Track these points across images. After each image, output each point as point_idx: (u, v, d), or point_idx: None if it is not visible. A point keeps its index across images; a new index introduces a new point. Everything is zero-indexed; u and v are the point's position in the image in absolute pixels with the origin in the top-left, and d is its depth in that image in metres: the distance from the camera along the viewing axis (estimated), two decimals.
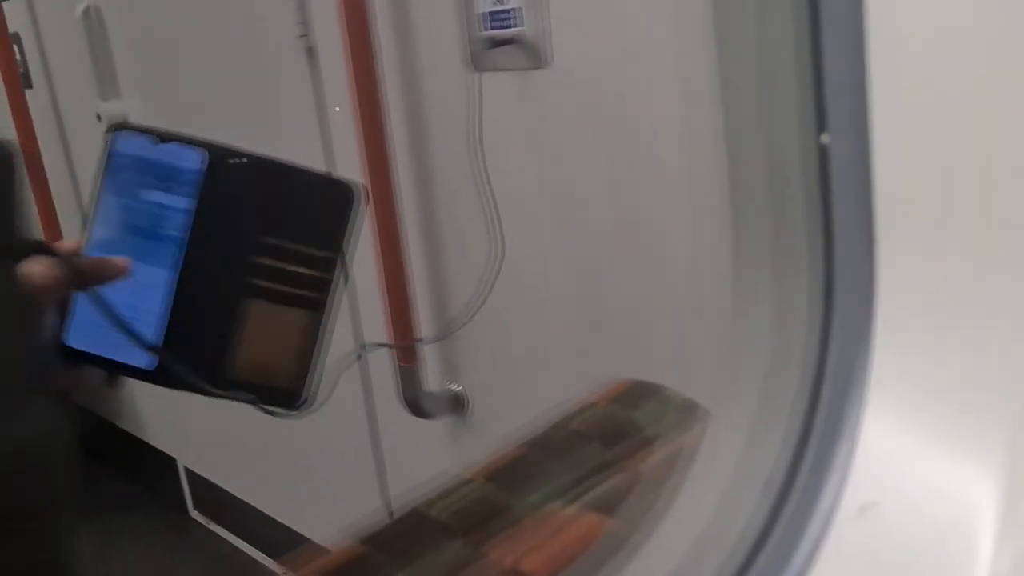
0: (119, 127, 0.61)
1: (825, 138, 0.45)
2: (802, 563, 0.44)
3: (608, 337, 1.36)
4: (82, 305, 0.60)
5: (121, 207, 0.61)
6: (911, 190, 0.42)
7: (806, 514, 0.45)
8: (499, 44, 1.31)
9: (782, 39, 0.47)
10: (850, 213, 0.44)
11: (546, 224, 1.38)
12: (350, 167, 1.53)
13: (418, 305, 1.61)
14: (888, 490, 0.43)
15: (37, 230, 1.98)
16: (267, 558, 2.43)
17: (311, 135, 1.71)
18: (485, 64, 1.35)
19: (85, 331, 0.61)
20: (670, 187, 1.19)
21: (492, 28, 1.32)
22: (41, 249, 0.60)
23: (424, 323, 1.62)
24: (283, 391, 0.61)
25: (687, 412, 0.89)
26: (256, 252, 0.61)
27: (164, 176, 0.61)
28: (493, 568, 0.72)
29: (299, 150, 1.67)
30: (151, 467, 2.84)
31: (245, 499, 2.44)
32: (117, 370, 0.62)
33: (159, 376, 0.61)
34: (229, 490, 2.51)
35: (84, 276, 0.59)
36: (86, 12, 2.25)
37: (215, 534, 2.65)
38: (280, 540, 2.28)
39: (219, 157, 0.61)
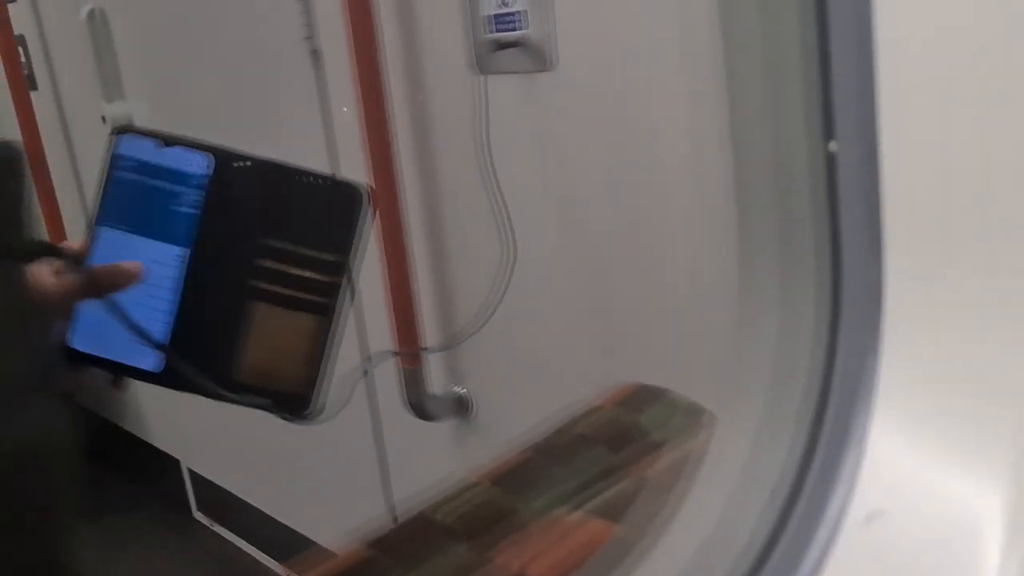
0: (123, 130, 0.61)
1: (833, 146, 0.45)
2: (809, 572, 0.44)
3: (613, 340, 1.36)
4: (87, 307, 0.60)
5: (126, 210, 0.61)
6: (919, 199, 0.42)
7: (813, 522, 0.45)
8: (504, 47, 1.31)
9: (789, 43, 0.47)
10: (858, 221, 0.44)
11: (551, 227, 1.38)
12: (355, 170, 1.53)
13: (424, 310, 1.61)
14: (895, 498, 0.43)
15: (41, 232, 1.98)
16: (270, 559, 2.43)
17: (316, 138, 1.71)
18: (490, 67, 1.35)
19: (90, 334, 0.61)
20: (676, 191, 1.19)
21: (497, 31, 1.32)
22: (47, 250, 0.60)
23: (430, 327, 1.62)
24: (291, 396, 0.61)
25: (693, 416, 0.89)
26: (262, 256, 0.61)
27: (169, 180, 0.61)
28: (499, 573, 0.72)
29: (304, 153, 1.68)
30: (154, 468, 2.84)
31: (248, 500, 2.44)
32: (123, 372, 0.62)
33: (166, 379, 0.61)
34: (232, 491, 2.51)
35: (98, 285, 0.59)
36: (91, 14, 2.25)
37: (218, 535, 2.65)
38: (283, 541, 2.28)
39: (225, 161, 0.61)
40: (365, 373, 1.66)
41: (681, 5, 1.10)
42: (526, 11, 1.27)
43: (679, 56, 1.12)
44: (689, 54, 1.10)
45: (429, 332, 1.63)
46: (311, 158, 1.68)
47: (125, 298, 0.59)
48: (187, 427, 2.59)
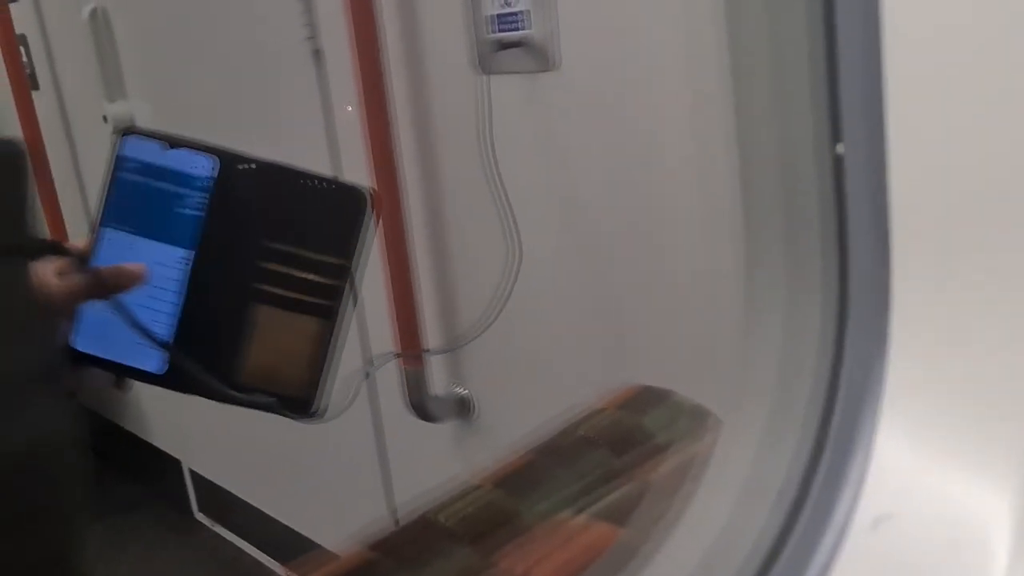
0: (127, 131, 0.61)
1: (840, 148, 0.44)
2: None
3: (616, 342, 1.36)
4: (90, 308, 0.60)
5: (130, 212, 0.61)
6: (927, 201, 0.42)
7: (820, 526, 0.44)
8: (507, 47, 1.31)
9: (796, 45, 0.46)
10: (865, 224, 0.44)
11: (554, 228, 1.38)
12: (357, 171, 1.53)
13: (426, 311, 1.60)
14: (902, 502, 0.43)
15: (44, 231, 1.98)
16: (272, 560, 2.43)
17: (317, 138, 1.71)
18: (493, 67, 1.34)
19: (93, 335, 0.60)
20: (681, 191, 1.19)
21: (500, 31, 1.32)
22: (52, 248, 0.59)
23: (432, 329, 1.62)
24: (295, 399, 0.61)
25: (697, 418, 0.89)
26: (266, 258, 0.61)
27: (174, 182, 0.60)
28: None
29: (305, 153, 1.68)
30: (156, 469, 2.84)
31: (250, 501, 2.44)
32: (126, 374, 0.62)
33: (169, 380, 0.61)
34: (234, 492, 2.51)
35: (104, 286, 0.59)
36: (93, 14, 2.25)
37: (219, 536, 2.65)
38: (284, 542, 2.28)
39: (229, 163, 0.61)
40: (367, 375, 1.66)
41: (686, 5, 1.09)
42: (529, 11, 1.27)
43: (684, 56, 1.12)
44: (694, 54, 1.09)
45: (431, 333, 1.62)
46: (313, 158, 1.68)
47: (129, 300, 0.59)
48: (188, 427, 2.59)
